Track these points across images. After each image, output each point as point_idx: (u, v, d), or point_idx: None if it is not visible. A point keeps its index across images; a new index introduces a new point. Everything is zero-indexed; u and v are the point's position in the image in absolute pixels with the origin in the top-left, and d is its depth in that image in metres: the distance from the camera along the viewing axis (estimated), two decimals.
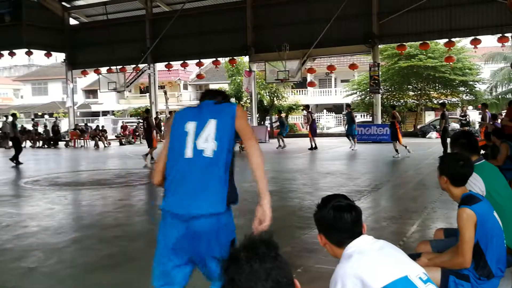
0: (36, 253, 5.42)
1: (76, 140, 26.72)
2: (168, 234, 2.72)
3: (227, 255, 1.45)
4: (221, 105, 2.80)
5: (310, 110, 21.13)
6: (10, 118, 17.98)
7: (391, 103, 19.33)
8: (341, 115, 38.72)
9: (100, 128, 27.67)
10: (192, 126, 2.69)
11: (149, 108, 17.37)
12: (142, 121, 16.34)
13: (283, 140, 20.73)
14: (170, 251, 2.72)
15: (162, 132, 20.48)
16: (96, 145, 25.06)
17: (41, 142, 26.87)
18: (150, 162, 14.56)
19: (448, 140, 11.14)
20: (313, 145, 19.08)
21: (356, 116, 36.09)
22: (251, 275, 1.39)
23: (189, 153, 2.64)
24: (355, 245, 2.04)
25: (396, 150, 15.07)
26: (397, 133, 15.44)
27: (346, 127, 19.78)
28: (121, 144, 26.67)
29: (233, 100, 27.38)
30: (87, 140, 26.81)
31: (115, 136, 30.30)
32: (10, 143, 25.56)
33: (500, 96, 31.66)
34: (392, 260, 1.96)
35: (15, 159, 15.64)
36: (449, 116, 30.09)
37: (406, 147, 15.28)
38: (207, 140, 2.64)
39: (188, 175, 2.61)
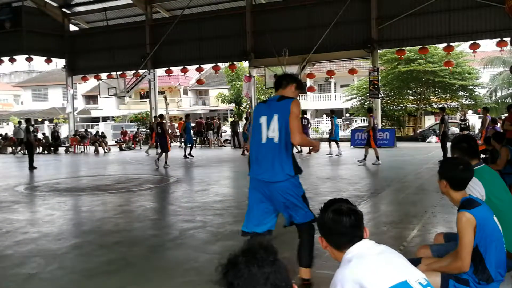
0: (36, 259, 5.41)
1: (76, 146, 26.72)
2: (254, 192, 3.96)
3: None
4: (282, 102, 3.80)
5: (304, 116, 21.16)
6: (24, 124, 18.42)
7: (370, 106, 19.06)
8: (341, 119, 38.78)
9: (100, 134, 27.67)
10: (264, 119, 3.82)
11: (162, 113, 17.79)
12: (156, 126, 16.63)
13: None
14: (257, 204, 3.93)
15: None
16: (96, 151, 25.06)
17: (41, 148, 26.85)
18: (165, 165, 15.11)
19: (448, 144, 11.17)
20: (299, 149, 19.18)
21: (355, 121, 36.26)
22: (249, 280, 1.39)
23: (263, 139, 3.82)
24: (355, 249, 2.04)
25: (376, 157, 14.38)
26: (370, 138, 14.67)
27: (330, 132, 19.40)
28: (121, 149, 26.66)
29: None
30: (87, 146, 26.80)
31: (115, 141, 30.29)
32: (19, 148, 25.76)
33: (499, 101, 31.69)
34: (391, 265, 1.96)
35: (31, 165, 16.05)
36: (449, 121, 30.20)
37: (377, 157, 14.40)
38: (274, 131, 3.76)
39: (264, 155, 3.83)
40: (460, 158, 3.22)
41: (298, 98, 3.99)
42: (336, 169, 14.04)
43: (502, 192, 3.52)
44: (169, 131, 18.47)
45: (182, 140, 23.29)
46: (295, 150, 20.81)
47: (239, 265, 1.42)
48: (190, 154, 19.29)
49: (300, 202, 3.89)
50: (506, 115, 12.47)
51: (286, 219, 3.99)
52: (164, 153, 15.65)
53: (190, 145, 19.57)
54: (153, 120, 24.94)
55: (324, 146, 22.75)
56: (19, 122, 28.60)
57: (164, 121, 16.30)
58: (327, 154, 17.88)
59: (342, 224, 2.07)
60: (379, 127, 23.88)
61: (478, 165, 3.60)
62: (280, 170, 3.78)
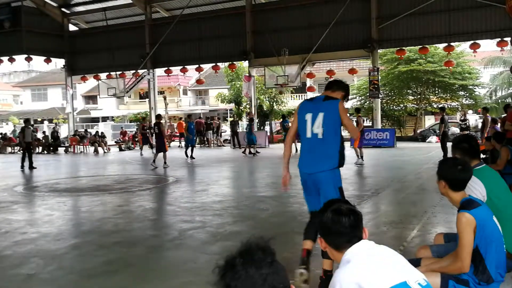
0: (35, 259, 5.40)
1: (75, 146, 26.70)
2: (303, 181, 4.40)
3: (223, 261, 1.45)
4: (328, 102, 4.18)
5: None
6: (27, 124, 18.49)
7: (358, 106, 19.12)
8: None
9: (100, 134, 27.65)
10: (309, 116, 4.15)
11: (159, 113, 17.37)
12: (153, 126, 16.56)
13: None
14: (307, 191, 4.39)
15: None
16: (96, 151, 25.04)
17: (40, 148, 26.83)
18: (164, 165, 15.07)
19: (449, 144, 11.14)
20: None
21: (355, 121, 36.14)
22: (247, 281, 1.38)
23: (308, 134, 4.17)
24: (354, 250, 2.04)
25: (361, 156, 14.39)
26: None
27: None
28: (120, 150, 26.64)
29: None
30: (87, 146, 26.79)
31: (115, 142, 30.28)
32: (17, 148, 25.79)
33: (499, 100, 31.65)
34: (391, 266, 1.95)
35: (30, 164, 16.27)
36: (449, 121, 30.18)
37: (361, 157, 14.35)
38: (318, 127, 4.09)
39: (309, 148, 4.23)
40: (459, 159, 3.21)
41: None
42: None
43: (503, 192, 3.51)
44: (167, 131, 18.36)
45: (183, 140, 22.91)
46: (293, 151, 20.54)
47: (237, 267, 1.41)
48: (191, 156, 18.59)
49: (337, 193, 4.12)
50: (505, 115, 12.45)
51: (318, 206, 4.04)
52: (162, 153, 15.43)
53: (191, 146, 18.98)
54: (143, 122, 25.00)
55: None
56: (27, 121, 28.60)
57: (161, 121, 16.14)
58: None
59: (341, 224, 2.06)
60: (379, 127, 23.89)
61: (479, 165, 3.59)
62: (322, 162, 4.14)
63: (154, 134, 16.48)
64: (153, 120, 28.23)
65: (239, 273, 1.40)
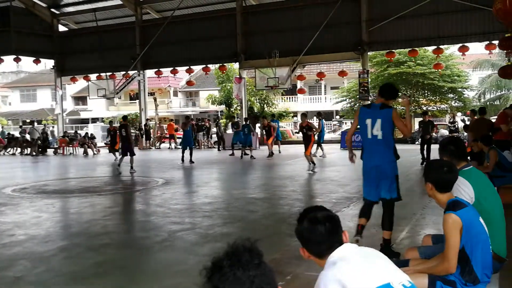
0: (22, 262, 5.35)
1: (65, 147, 26.50)
2: (366, 173, 5.36)
3: (210, 263, 1.45)
4: (384, 110, 5.08)
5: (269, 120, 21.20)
6: (37, 124, 18.33)
7: (320, 111, 19.18)
8: (331, 122, 38.89)
9: (89, 135, 27.46)
10: (369, 121, 5.12)
11: (126, 115, 16.57)
12: (119, 128, 15.31)
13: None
14: (368, 181, 5.33)
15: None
16: (85, 153, 24.87)
17: (29, 150, 26.59)
18: (131, 170, 14.01)
19: (433, 147, 11.18)
20: (270, 153, 19.04)
21: (345, 123, 36.36)
22: (234, 283, 1.38)
23: (369, 136, 5.16)
24: (338, 253, 2.04)
25: (313, 162, 13.30)
26: (309, 143, 13.38)
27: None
28: (110, 151, 26.45)
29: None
30: (76, 148, 26.60)
31: (104, 143, 30.09)
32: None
33: (488, 103, 31.96)
34: (375, 267, 1.96)
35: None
36: (440, 123, 30.38)
37: (313, 164, 13.22)
38: (377, 130, 5.07)
39: (370, 147, 5.22)
40: (444, 161, 3.24)
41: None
42: (326, 171, 14.04)
43: (490, 194, 3.54)
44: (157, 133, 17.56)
45: (179, 143, 21.54)
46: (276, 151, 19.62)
47: (224, 269, 1.41)
48: (190, 159, 17.11)
49: (393, 180, 5.16)
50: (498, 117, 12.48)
51: (377, 194, 5.24)
52: (129, 157, 14.39)
53: (189, 148, 17.41)
54: (110, 125, 23.82)
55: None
56: (32, 122, 28.61)
57: (128, 123, 15.35)
58: (320, 156, 17.85)
59: (318, 233, 2.05)
60: None
61: (467, 167, 3.62)
62: (381, 157, 5.14)
63: (120, 137, 15.26)
64: (143, 121, 28.28)
65: (227, 275, 1.40)
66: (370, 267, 1.95)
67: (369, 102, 5.13)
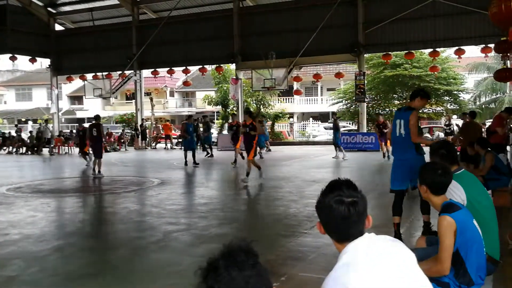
0: (17, 261, 5.34)
1: (60, 146, 26.42)
2: (395, 165, 5.98)
3: (206, 264, 1.45)
4: (406, 112, 5.87)
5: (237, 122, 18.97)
6: (47, 123, 17.85)
7: (262, 112, 18.79)
8: (327, 123, 38.93)
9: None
10: (398, 122, 5.89)
11: (98, 114, 15.10)
12: (90, 128, 14.23)
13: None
14: (397, 173, 5.90)
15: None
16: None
17: (24, 149, 26.52)
18: (93, 173, 13.56)
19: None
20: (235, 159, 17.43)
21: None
22: (230, 283, 1.39)
23: (397, 134, 5.89)
24: (352, 250, 1.88)
25: (258, 167, 11.92)
26: (252, 147, 11.91)
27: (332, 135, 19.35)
28: (106, 151, 26.40)
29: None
30: (72, 147, 26.52)
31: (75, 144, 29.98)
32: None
33: (483, 106, 32.08)
34: (389, 273, 1.82)
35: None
36: (435, 125, 30.48)
37: (259, 168, 11.88)
38: (401, 129, 5.82)
39: (398, 143, 5.95)
40: (439, 163, 3.26)
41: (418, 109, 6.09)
42: (322, 172, 14.07)
43: (482, 196, 3.56)
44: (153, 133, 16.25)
45: (181, 144, 20.11)
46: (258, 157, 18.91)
47: (219, 269, 1.41)
48: (194, 161, 15.92)
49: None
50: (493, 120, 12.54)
51: (410, 183, 5.91)
52: (97, 160, 13.70)
53: (192, 150, 16.12)
54: (79, 125, 21.02)
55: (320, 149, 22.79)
56: (46, 121, 28.55)
57: (100, 122, 14.33)
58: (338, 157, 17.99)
59: (341, 218, 1.87)
60: (365, 130, 24.04)
61: (458, 170, 3.64)
62: (407, 152, 5.83)
63: (91, 137, 14.09)
64: (139, 121, 28.24)
65: (222, 275, 1.40)
66: (384, 274, 1.80)
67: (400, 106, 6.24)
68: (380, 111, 31.58)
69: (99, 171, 13.52)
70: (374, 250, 1.87)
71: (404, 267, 1.87)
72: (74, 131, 28.95)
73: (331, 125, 31.72)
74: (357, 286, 1.76)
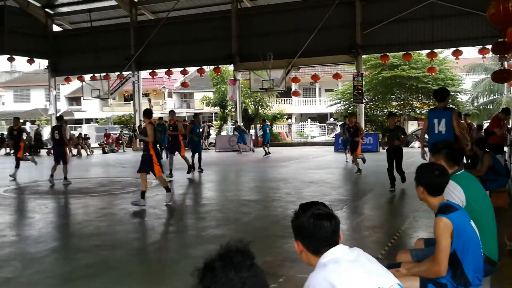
0: (14, 263, 5.32)
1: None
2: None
3: (202, 264, 1.45)
4: (446, 111, 6.80)
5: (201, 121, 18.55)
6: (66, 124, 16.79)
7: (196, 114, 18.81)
8: (325, 124, 38.97)
9: (84, 135, 27.37)
10: (436, 120, 6.77)
11: (62, 115, 13.61)
12: (52, 130, 12.86)
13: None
14: None
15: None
16: (79, 153, 24.79)
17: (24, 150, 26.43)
18: (64, 182, 12.18)
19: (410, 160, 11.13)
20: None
21: (339, 125, 36.37)
22: (226, 284, 1.39)
23: (436, 131, 6.77)
24: (330, 254, 2.02)
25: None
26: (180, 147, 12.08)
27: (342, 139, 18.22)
28: (104, 152, 26.41)
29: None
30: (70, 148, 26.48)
31: (98, 144, 30.02)
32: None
33: (481, 107, 32.15)
34: (365, 271, 1.95)
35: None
36: None
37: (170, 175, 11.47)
38: (442, 127, 6.70)
39: (437, 139, 5.93)
40: (436, 164, 3.26)
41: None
42: (320, 173, 14.07)
43: (481, 198, 3.56)
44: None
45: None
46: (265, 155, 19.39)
47: (216, 270, 1.41)
48: (199, 166, 14.37)
49: None
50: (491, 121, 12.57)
51: None
52: (60, 165, 12.34)
53: (198, 153, 14.34)
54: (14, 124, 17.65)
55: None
56: (65, 122, 28.46)
57: (63, 124, 12.83)
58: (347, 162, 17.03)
59: (323, 229, 2.02)
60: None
61: (458, 171, 3.64)
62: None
63: (53, 140, 12.78)
64: (137, 123, 28.20)
65: (219, 276, 1.41)
66: (361, 271, 1.95)
67: (433, 107, 7.27)
68: (378, 112, 31.68)
69: (65, 178, 12.15)
70: (350, 252, 2.05)
71: (377, 268, 2.03)
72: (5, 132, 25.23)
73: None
74: (338, 280, 1.89)
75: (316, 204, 2.12)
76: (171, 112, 13.12)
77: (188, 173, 13.29)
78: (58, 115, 13.65)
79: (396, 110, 32.02)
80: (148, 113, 9.15)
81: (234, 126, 23.63)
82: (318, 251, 2.06)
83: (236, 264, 1.42)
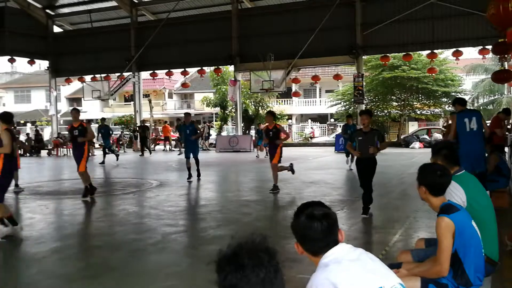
0: (15, 263, 5.32)
1: (59, 148, 26.40)
2: (467, 155, 6.87)
3: (225, 258, 1.42)
4: (473, 112, 8.00)
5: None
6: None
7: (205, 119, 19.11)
8: (326, 125, 38.96)
9: None
10: (467, 120, 7.52)
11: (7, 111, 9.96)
12: None
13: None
14: (467, 162, 6.40)
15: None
16: None
17: (22, 150, 26.46)
18: (15, 189, 10.93)
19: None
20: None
21: (340, 126, 36.44)
22: (256, 284, 1.36)
23: (468, 129, 7.49)
24: (332, 254, 2.01)
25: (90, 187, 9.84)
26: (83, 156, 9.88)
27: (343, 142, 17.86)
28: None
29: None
30: (70, 149, 26.46)
31: (98, 144, 30.01)
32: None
33: (481, 107, 32.14)
34: (368, 271, 1.95)
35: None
36: (433, 127, 30.49)
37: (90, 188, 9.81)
38: (474, 125, 7.50)
39: (469, 137, 7.45)
40: (438, 164, 3.25)
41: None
42: (321, 173, 14.06)
43: (482, 198, 3.56)
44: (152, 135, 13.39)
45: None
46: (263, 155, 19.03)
47: (246, 269, 1.38)
48: (198, 172, 12.93)
49: (483, 158, 7.64)
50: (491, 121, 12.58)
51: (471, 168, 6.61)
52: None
53: (194, 157, 12.83)
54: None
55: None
56: (89, 122, 28.64)
57: (13, 127, 8.98)
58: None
59: (313, 230, 2.00)
60: None
61: (459, 171, 3.64)
62: (479, 144, 7.51)
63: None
64: (138, 123, 28.21)
65: (249, 276, 1.37)
66: (363, 271, 1.94)
67: (458, 110, 7.72)
68: (378, 112, 31.65)
69: (16, 185, 11.07)
70: (351, 252, 2.04)
71: (379, 267, 2.03)
72: None
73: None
74: (340, 279, 1.89)
75: (312, 205, 2.09)
76: (75, 110, 11.17)
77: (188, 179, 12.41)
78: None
79: (396, 111, 32.05)
80: (3, 117, 6.77)
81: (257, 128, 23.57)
82: (316, 252, 2.05)
83: (266, 263, 1.40)
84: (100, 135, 18.76)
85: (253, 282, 1.37)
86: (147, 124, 20.61)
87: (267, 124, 10.71)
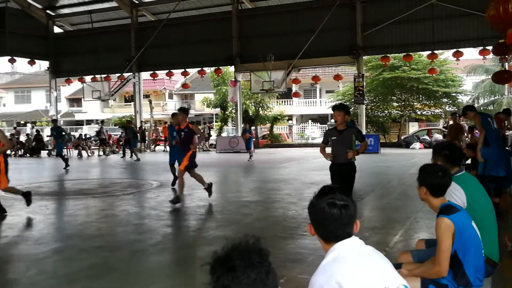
0: (16, 264, 5.33)
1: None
2: (494, 154, 7.46)
3: (218, 260, 1.43)
4: (488, 114, 8.20)
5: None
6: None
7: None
8: (326, 125, 38.96)
9: (86, 136, 27.39)
10: (490, 119, 7.60)
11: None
12: None
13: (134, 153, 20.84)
14: (500, 160, 7.52)
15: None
16: (80, 154, 24.80)
17: (22, 151, 26.50)
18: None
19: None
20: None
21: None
22: (248, 285, 1.37)
23: (493, 128, 7.54)
24: (342, 246, 1.99)
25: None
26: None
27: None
28: (104, 153, 26.40)
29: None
30: (70, 149, 26.51)
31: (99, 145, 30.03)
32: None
33: (481, 108, 32.11)
34: (373, 271, 1.93)
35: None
36: (433, 127, 30.49)
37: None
38: (495, 124, 7.62)
39: (496, 136, 7.62)
40: (439, 165, 3.26)
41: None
42: (321, 174, 14.07)
43: (482, 198, 3.57)
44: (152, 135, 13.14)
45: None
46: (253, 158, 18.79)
47: (237, 270, 1.39)
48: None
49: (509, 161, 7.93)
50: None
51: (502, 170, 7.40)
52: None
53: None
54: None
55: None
56: (102, 122, 28.83)
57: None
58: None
59: (330, 219, 1.97)
60: (364, 133, 24.02)
61: (459, 172, 3.65)
62: (502, 144, 7.91)
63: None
64: (138, 124, 28.21)
65: (240, 277, 1.38)
66: (368, 270, 1.92)
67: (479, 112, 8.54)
68: (379, 113, 31.67)
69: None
70: (360, 249, 2.01)
71: (385, 266, 2.01)
72: None
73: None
74: (345, 278, 1.87)
75: (334, 191, 2.04)
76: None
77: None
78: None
79: (397, 111, 32.05)
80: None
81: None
82: (327, 240, 2.03)
83: (257, 264, 1.41)
84: (52, 137, 17.41)
85: (244, 283, 1.37)
86: (133, 126, 20.24)
87: (179, 123, 9.30)
